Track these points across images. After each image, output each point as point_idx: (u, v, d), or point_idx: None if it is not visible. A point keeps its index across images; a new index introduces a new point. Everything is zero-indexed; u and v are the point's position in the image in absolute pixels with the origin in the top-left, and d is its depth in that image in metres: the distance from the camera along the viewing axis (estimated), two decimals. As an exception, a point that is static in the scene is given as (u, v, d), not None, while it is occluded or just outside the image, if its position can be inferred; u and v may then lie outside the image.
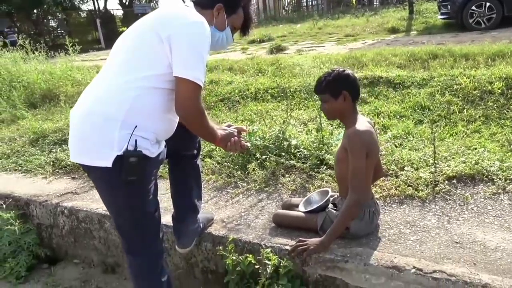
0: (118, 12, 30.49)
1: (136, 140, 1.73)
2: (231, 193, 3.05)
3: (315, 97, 4.03)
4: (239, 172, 3.25)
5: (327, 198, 2.41)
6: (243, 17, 2.03)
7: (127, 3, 32.47)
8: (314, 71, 4.88)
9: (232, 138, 2.11)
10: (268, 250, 2.19)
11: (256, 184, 3.09)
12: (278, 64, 6.16)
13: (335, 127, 3.81)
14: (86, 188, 3.46)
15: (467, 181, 2.78)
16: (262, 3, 25.45)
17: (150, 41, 1.77)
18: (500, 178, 2.70)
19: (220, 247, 2.33)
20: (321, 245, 2.16)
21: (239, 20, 2.04)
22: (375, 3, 24.25)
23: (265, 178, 3.14)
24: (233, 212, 2.76)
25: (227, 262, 2.26)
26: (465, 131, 3.68)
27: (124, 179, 1.74)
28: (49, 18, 26.65)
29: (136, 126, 1.74)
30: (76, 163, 2.38)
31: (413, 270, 1.95)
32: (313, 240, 2.20)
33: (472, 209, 2.48)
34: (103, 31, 23.95)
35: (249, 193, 3.01)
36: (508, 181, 2.68)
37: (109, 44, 19.12)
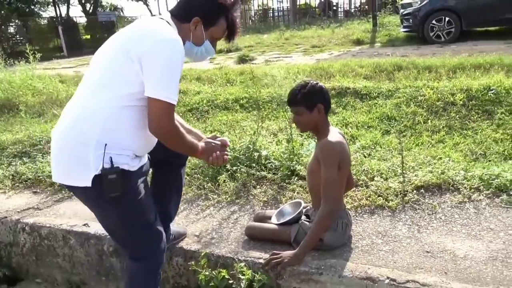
0: (81, 20, 29.84)
1: (111, 157, 1.73)
2: (201, 206, 3.00)
3: (286, 107, 4.04)
4: (209, 184, 3.21)
5: (300, 210, 2.41)
6: (225, 27, 1.96)
7: (90, 11, 31.87)
8: (284, 82, 4.89)
9: (214, 153, 2.06)
10: (242, 264, 2.16)
11: (227, 196, 3.05)
12: (248, 74, 6.17)
13: (305, 138, 3.84)
14: (48, 203, 3.33)
15: (434, 190, 2.85)
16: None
17: (121, 60, 1.75)
18: (465, 187, 2.79)
19: (192, 262, 2.29)
20: (295, 258, 2.15)
21: (220, 31, 1.97)
22: (339, 15, 24.86)
23: (236, 190, 3.11)
24: (205, 226, 2.71)
25: (200, 278, 2.22)
26: (430, 141, 3.79)
27: (107, 196, 1.74)
28: (8, 24, 25.76)
29: (106, 144, 1.73)
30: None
31: (387, 281, 1.97)
32: (287, 253, 2.19)
33: (440, 218, 2.53)
34: (65, 39, 23.32)
35: (221, 206, 2.98)
36: (473, 190, 2.77)
37: (71, 53, 18.65)
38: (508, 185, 2.72)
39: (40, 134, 4.61)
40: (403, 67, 5.77)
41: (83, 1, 31.71)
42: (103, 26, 27.23)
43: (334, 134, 2.24)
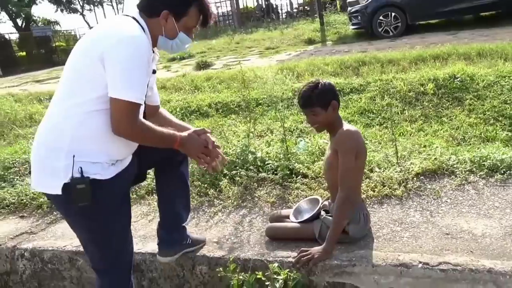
0: (13, 36, 28.34)
1: (81, 167, 1.73)
2: (208, 212, 2.96)
3: (276, 107, 4.06)
4: (211, 190, 3.17)
5: (319, 205, 2.44)
6: (197, 14, 1.92)
7: (23, 26, 30.32)
8: (258, 84, 4.92)
9: (208, 158, 2.01)
10: (276, 264, 2.16)
11: (232, 201, 3.03)
12: (216, 79, 6.15)
13: (297, 136, 3.89)
14: (42, 226, 3.15)
15: (431, 176, 2.99)
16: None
17: (85, 63, 1.75)
18: (460, 171, 2.94)
19: (220, 268, 2.25)
20: (325, 252, 2.18)
21: (193, 19, 1.92)
22: (281, 17, 25.24)
23: (240, 194, 3.10)
24: (220, 232, 2.68)
25: (232, 283, 2.19)
26: (410, 130, 3.96)
27: (75, 205, 1.74)
28: None
29: (74, 155, 1.72)
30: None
31: (420, 265, 2.04)
32: (316, 249, 2.21)
33: (446, 201, 2.66)
34: (-2, 57, 21.98)
35: (228, 211, 2.95)
36: (468, 172, 2.92)
37: (6, 71, 17.58)
38: (499, 164, 2.90)
39: (11, 156, 4.34)
40: (367, 62, 5.96)
41: (13, 16, 30.14)
42: (38, 41, 26.05)
43: (350, 126, 2.31)
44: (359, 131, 2.32)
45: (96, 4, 29.61)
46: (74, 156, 1.72)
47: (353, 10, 10.16)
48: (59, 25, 32.27)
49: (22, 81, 12.23)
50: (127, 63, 1.68)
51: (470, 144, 3.52)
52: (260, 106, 4.81)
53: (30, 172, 3.75)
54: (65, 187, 1.73)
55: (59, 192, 1.74)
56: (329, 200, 2.48)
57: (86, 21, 31.68)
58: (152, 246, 2.56)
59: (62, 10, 30.66)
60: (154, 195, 3.29)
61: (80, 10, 31.31)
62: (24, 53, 26.04)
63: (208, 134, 2.07)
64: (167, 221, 2.39)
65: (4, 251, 2.88)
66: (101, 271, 2.02)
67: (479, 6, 9.10)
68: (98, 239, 1.93)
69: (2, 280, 2.94)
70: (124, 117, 1.71)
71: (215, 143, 2.07)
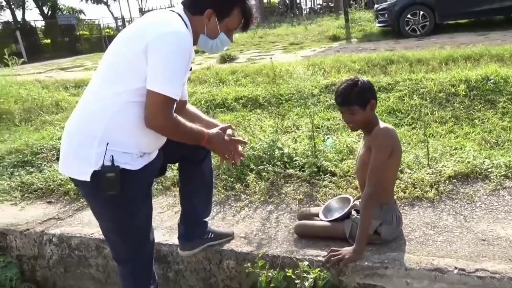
0: (39, 24, 28.77)
1: (112, 156, 1.73)
2: (235, 207, 2.94)
3: (307, 104, 4.01)
4: (238, 185, 3.15)
5: (350, 205, 2.39)
6: (240, 16, 1.91)
7: (49, 14, 30.76)
8: (286, 79, 4.88)
9: (228, 151, 2.02)
10: (306, 263, 2.12)
11: (259, 196, 3.00)
12: (240, 72, 6.12)
13: (325, 134, 3.84)
14: (69, 212, 3.17)
15: (464, 179, 2.91)
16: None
17: (127, 54, 1.74)
18: (495, 175, 2.85)
19: (249, 264, 2.23)
20: (356, 253, 2.14)
21: (235, 21, 1.92)
22: (304, 13, 25.08)
23: (266, 189, 3.07)
24: (248, 227, 2.66)
25: (260, 279, 2.16)
26: (440, 132, 3.87)
27: (104, 193, 1.75)
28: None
29: (108, 143, 1.73)
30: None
31: (456, 271, 1.98)
32: (347, 249, 2.17)
33: (481, 206, 2.58)
34: (24, 44, 22.33)
35: (255, 206, 2.92)
36: (503, 177, 2.84)
37: (32, 58, 17.83)
38: (536, 170, 2.81)
39: (38, 142, 4.39)
40: (395, 60, 5.86)
41: (40, 4, 30.58)
42: (63, 29, 26.43)
43: (386, 124, 2.26)
44: (395, 130, 2.27)
45: (121, -6, 29.75)
46: (108, 144, 1.73)
47: (380, 7, 9.99)
48: (84, 14, 32.67)
49: (48, 68, 12.44)
50: (170, 57, 1.68)
51: (504, 148, 3.41)
52: (289, 101, 4.76)
53: (57, 158, 3.81)
54: (95, 174, 1.73)
55: (88, 179, 1.75)
56: (360, 200, 2.43)
57: (110, 11, 31.90)
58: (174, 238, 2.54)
59: (87, 0, 30.96)
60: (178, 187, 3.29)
61: (105, 0, 31.58)
62: (49, 41, 26.47)
63: (231, 130, 2.07)
64: (187, 216, 2.40)
65: (33, 235, 2.91)
66: (123, 261, 2.03)
67: (509, 7, 8.85)
68: (121, 229, 1.93)
69: (29, 264, 2.98)
70: (160, 110, 1.71)
71: (238, 139, 2.07)
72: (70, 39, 26.57)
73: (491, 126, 3.82)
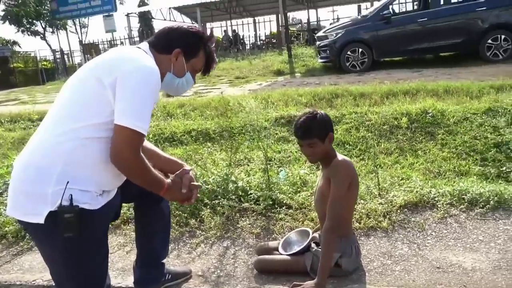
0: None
1: (71, 195, 1.61)
2: (190, 243, 2.85)
3: (259, 136, 4.02)
4: (192, 220, 3.06)
5: (309, 238, 2.39)
6: (204, 59, 1.96)
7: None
8: (237, 112, 4.90)
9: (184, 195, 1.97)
10: (268, 300, 2.07)
11: (215, 231, 2.93)
12: (188, 106, 6.08)
13: (277, 166, 3.85)
14: (6, 257, 2.92)
15: (413, 208, 3.02)
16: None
17: (91, 88, 1.68)
18: (441, 204, 2.98)
19: (209, 305, 2.14)
20: (319, 286, 2.12)
21: (200, 63, 1.96)
22: (247, 48, 25.64)
23: (222, 224, 3.01)
24: (204, 264, 2.57)
25: (222, 320, 2.08)
26: (387, 163, 4.02)
27: (60, 236, 1.62)
28: None
29: (68, 182, 1.62)
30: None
31: (416, 300, 2.02)
32: (309, 283, 2.15)
33: (431, 234, 2.68)
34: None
35: (211, 242, 2.85)
36: (449, 205, 2.97)
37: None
38: (478, 198, 2.97)
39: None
40: (339, 94, 6.09)
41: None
42: (-6, 63, 25.16)
43: (344, 156, 2.30)
44: (352, 162, 2.32)
45: (59, 27, 28.96)
46: (68, 182, 1.62)
47: (322, 44, 10.43)
48: (19, 46, 31.36)
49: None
50: (140, 92, 1.63)
51: (446, 178, 3.60)
52: (240, 135, 4.76)
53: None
54: (50, 215, 1.61)
55: (42, 221, 1.62)
56: (319, 232, 2.44)
57: (48, 44, 30.64)
58: (132, 279, 2.41)
59: (23, 31, 29.86)
60: (130, 224, 3.15)
61: (42, 32, 30.60)
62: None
63: (189, 174, 2.02)
64: (145, 258, 2.30)
65: (-35, 284, 2.64)
66: None
67: (440, 46, 9.58)
68: (77, 274, 1.78)
69: (-41, 318, 2.68)
70: (128, 146, 1.63)
71: (193, 184, 2.01)
72: (3, 71, 25.32)
73: (433, 156, 4.03)
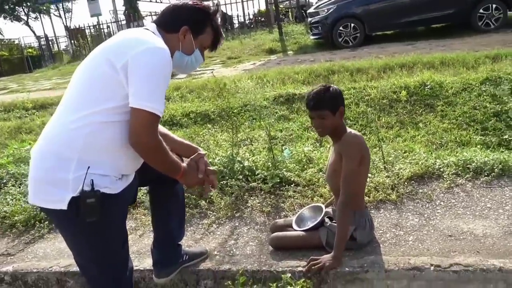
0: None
1: (92, 180, 1.63)
2: (202, 224, 2.88)
3: (262, 117, 4.02)
4: (203, 202, 3.08)
5: (323, 213, 2.42)
6: (212, 35, 1.93)
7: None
8: (235, 92, 4.88)
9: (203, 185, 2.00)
10: (288, 275, 2.11)
11: (225, 212, 2.96)
12: (185, 88, 6.05)
13: (281, 145, 3.87)
14: (19, 246, 2.92)
15: (420, 180, 3.06)
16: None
17: (104, 72, 1.66)
18: (447, 174, 3.03)
19: (229, 282, 2.17)
20: (336, 259, 2.17)
21: (209, 39, 1.93)
22: (235, 27, 25.35)
23: (232, 204, 3.03)
24: (219, 243, 2.60)
25: (243, 296, 2.12)
26: (389, 136, 4.05)
27: (83, 220, 1.64)
28: None
29: (89, 167, 1.64)
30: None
31: (432, 268, 2.07)
32: (326, 257, 2.19)
33: (440, 204, 2.73)
34: None
35: (222, 222, 2.88)
36: (455, 175, 3.02)
37: None
38: (483, 167, 3.02)
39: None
40: (335, 70, 6.07)
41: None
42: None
43: (354, 131, 2.32)
44: (363, 137, 2.34)
45: (43, 12, 28.30)
46: (89, 167, 1.62)
47: (313, 20, 10.34)
48: (1, 34, 30.66)
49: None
50: (154, 73, 1.62)
51: (448, 149, 3.65)
52: (240, 115, 4.76)
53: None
54: (72, 201, 1.62)
55: (65, 207, 1.63)
56: (333, 206, 2.48)
57: (32, 30, 29.93)
58: (149, 261, 2.44)
59: (5, 17, 29.15)
60: (140, 208, 3.16)
61: (25, 19, 29.93)
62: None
63: (204, 158, 2.03)
64: (162, 241, 2.32)
65: (-19, 275, 2.65)
66: None
67: (431, 18, 9.54)
68: (101, 257, 1.82)
69: (-23, 308, 2.70)
70: (146, 128, 1.62)
71: (209, 169, 2.02)
72: (-15, 57, 24.84)
73: (434, 128, 4.07)
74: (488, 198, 2.72)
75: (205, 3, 2.00)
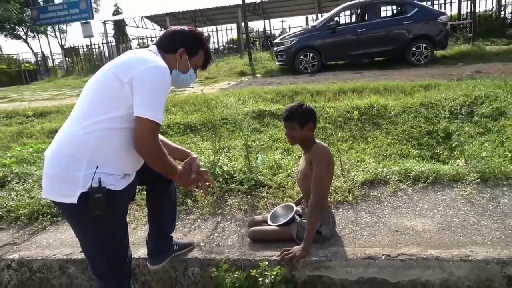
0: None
1: (100, 178, 1.65)
2: (188, 219, 2.86)
3: (241, 127, 4.04)
4: (189, 200, 3.06)
5: (294, 211, 2.46)
6: (203, 56, 2.00)
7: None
8: (216, 107, 4.88)
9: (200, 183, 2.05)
10: (266, 263, 2.13)
11: (208, 209, 2.95)
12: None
13: (255, 153, 3.89)
14: (24, 237, 2.80)
15: (370, 185, 3.16)
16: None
17: (111, 85, 1.69)
18: (393, 180, 3.14)
19: (213, 269, 2.17)
20: (305, 250, 2.21)
21: (201, 60, 1.99)
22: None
23: (214, 203, 3.03)
24: (204, 236, 2.59)
25: (226, 281, 2.12)
26: (344, 148, 4.16)
27: (91, 214, 1.65)
28: None
29: (97, 166, 1.66)
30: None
31: (383, 257, 2.14)
32: (296, 248, 2.23)
33: (387, 205, 2.83)
34: None
35: (206, 218, 2.87)
36: (398, 181, 3.14)
37: None
38: (420, 175, 3.15)
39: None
40: (299, 92, 6.18)
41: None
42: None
43: (322, 142, 2.38)
44: (328, 147, 2.40)
45: (40, 32, 27.31)
46: (97, 167, 1.63)
47: (279, 49, 10.51)
48: (0, 50, 29.30)
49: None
50: (156, 87, 1.66)
51: (392, 160, 3.78)
52: (222, 126, 4.76)
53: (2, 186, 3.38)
54: (82, 196, 1.63)
55: (75, 201, 1.64)
56: (302, 206, 2.52)
57: (30, 47, 28.71)
58: (143, 251, 2.41)
59: (6, 35, 27.88)
60: (132, 205, 3.10)
61: (24, 37, 28.70)
62: None
63: (196, 161, 2.06)
64: (156, 232, 2.30)
65: (-12, 263, 2.52)
66: (103, 278, 1.88)
67: (375, 52, 9.96)
68: (105, 247, 1.81)
69: (-16, 292, 2.56)
70: (149, 134, 1.65)
71: (202, 170, 2.05)
72: (-15, 73, 23.65)
73: (380, 142, 4.21)
74: (425, 200, 2.84)
75: (198, 29, 2.04)
